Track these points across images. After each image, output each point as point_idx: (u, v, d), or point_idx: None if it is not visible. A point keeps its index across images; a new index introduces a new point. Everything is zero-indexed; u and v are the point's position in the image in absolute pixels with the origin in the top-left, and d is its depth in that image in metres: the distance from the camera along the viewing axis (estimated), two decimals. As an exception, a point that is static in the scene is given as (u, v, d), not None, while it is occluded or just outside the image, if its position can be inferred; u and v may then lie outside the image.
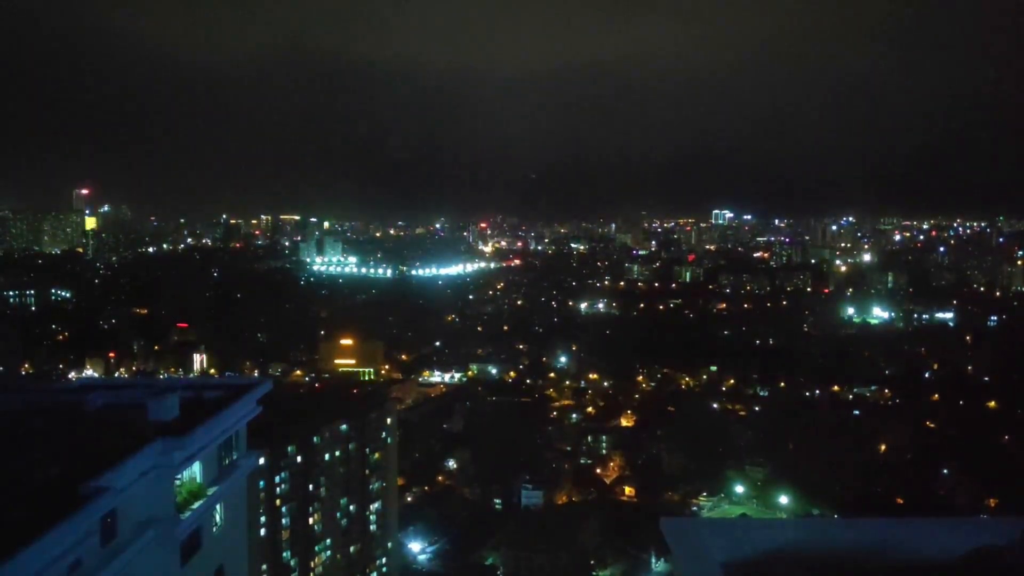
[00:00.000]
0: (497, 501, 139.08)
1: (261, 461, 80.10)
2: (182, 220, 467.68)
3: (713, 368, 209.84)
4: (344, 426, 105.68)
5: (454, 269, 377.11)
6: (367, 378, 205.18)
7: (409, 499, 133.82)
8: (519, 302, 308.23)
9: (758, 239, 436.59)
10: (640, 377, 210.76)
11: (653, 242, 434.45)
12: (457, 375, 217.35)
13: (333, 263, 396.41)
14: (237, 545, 31.66)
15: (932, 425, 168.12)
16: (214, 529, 28.45)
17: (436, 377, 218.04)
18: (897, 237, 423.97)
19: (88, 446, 23.25)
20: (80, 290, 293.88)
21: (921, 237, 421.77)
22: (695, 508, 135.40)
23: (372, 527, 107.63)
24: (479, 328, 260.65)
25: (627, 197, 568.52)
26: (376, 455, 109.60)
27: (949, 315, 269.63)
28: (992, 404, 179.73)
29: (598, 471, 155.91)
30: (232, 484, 29.39)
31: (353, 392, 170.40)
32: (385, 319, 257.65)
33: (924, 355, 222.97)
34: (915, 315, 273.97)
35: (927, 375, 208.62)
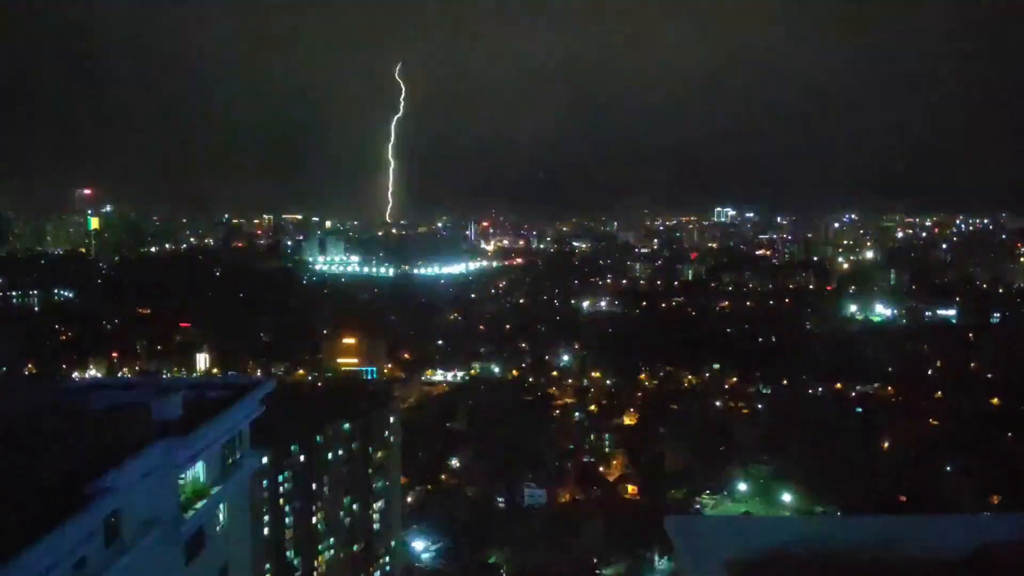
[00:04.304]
0: (500, 500, 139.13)
1: (264, 460, 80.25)
2: (184, 220, 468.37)
3: (716, 366, 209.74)
4: (347, 425, 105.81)
5: (456, 268, 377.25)
6: (370, 377, 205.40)
7: (412, 498, 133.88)
8: (521, 301, 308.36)
9: (760, 236, 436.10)
10: (643, 375, 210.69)
11: (655, 240, 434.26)
12: (460, 374, 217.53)
13: (335, 262, 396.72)
14: (241, 544, 31.72)
15: (935, 422, 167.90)
16: (218, 528, 28.52)
17: (439, 376, 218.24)
18: (900, 234, 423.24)
19: (92, 446, 23.31)
20: (83, 290, 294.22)
21: (924, 234, 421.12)
22: (698, 506, 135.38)
23: (375, 526, 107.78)
24: (481, 327, 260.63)
25: (629, 195, 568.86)
26: (379, 454, 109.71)
27: (952, 312, 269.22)
28: (995, 401, 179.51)
29: (601, 469, 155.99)
30: (235, 483, 29.46)
31: (356, 391, 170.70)
32: (387, 318, 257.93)
33: (927, 352, 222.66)
34: (918, 312, 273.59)
35: (930, 372, 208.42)
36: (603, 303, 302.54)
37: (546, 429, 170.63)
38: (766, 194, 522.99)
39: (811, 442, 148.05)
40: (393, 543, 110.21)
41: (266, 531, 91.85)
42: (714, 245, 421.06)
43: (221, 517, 28.82)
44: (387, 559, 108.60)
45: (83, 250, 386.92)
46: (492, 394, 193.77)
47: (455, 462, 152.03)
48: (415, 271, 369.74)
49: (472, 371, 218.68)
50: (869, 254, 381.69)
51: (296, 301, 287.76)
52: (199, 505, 26.14)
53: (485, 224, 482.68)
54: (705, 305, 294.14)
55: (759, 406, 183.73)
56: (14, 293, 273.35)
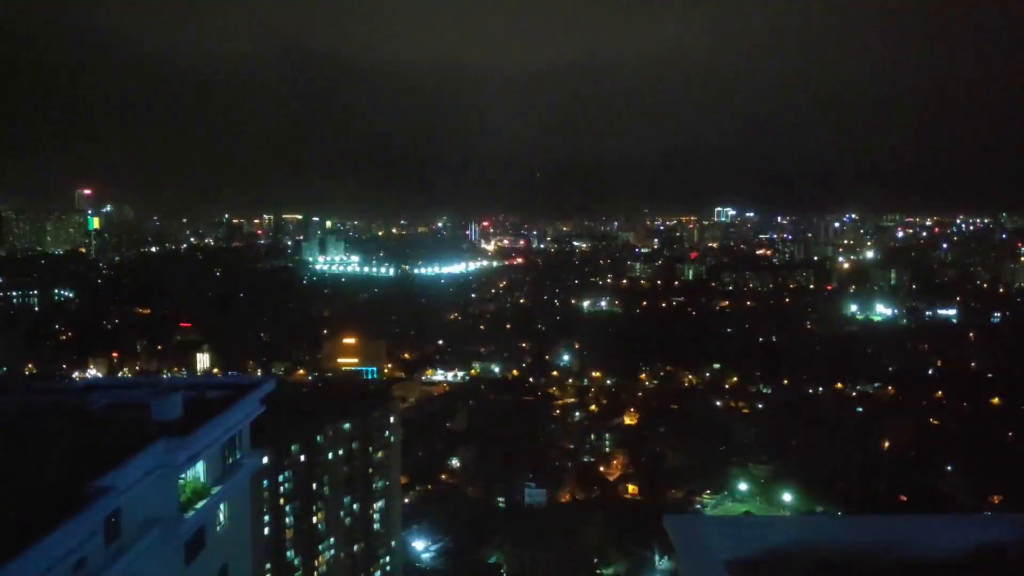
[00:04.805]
0: (500, 499, 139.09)
1: (264, 460, 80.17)
2: (184, 220, 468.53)
3: (716, 366, 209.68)
4: (347, 425, 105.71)
5: (456, 268, 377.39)
6: (370, 377, 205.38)
7: (412, 498, 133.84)
8: (521, 300, 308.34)
9: (760, 236, 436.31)
10: (643, 375, 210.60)
11: (655, 240, 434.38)
12: (460, 373, 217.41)
13: (335, 262, 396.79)
14: (241, 544, 31.68)
15: (935, 422, 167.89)
16: (218, 528, 28.49)
17: (439, 376, 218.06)
18: (900, 234, 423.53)
19: (92, 446, 23.30)
20: (83, 290, 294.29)
21: (924, 234, 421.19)
22: (698, 506, 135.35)
23: (375, 526, 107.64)
24: (482, 327, 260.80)
25: (629, 195, 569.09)
26: (379, 454, 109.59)
27: (952, 312, 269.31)
28: (995, 400, 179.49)
29: (601, 469, 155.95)
30: (235, 483, 29.41)
31: (356, 391, 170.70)
32: (388, 318, 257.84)
33: (927, 352, 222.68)
34: (918, 312, 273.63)
35: (930, 372, 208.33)
36: (603, 303, 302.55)
37: (546, 429, 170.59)
38: (766, 194, 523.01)
39: (811, 442, 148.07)
40: (393, 543, 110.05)
41: (266, 531, 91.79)
42: (714, 245, 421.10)
43: (221, 517, 28.80)
44: (387, 559, 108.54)
45: (83, 250, 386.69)
46: (492, 394, 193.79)
47: (455, 462, 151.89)
48: (415, 271, 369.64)
49: (472, 371, 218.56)
50: (869, 254, 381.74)
51: (296, 301, 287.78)
52: (199, 505, 26.11)
53: (485, 224, 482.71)
54: (705, 305, 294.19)
55: (759, 406, 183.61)
56: (14, 293, 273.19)
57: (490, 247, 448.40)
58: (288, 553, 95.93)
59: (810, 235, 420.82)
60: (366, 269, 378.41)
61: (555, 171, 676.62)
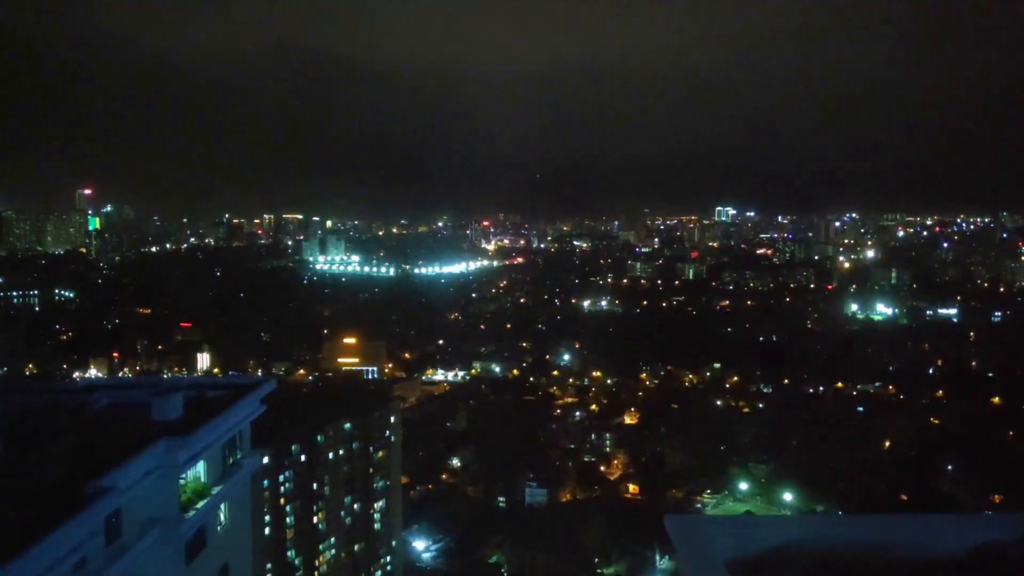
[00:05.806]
0: (501, 499, 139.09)
1: (265, 460, 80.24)
2: (185, 220, 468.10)
3: (716, 365, 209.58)
4: (348, 425, 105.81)
5: (457, 267, 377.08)
6: (370, 377, 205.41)
7: (413, 497, 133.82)
8: (522, 300, 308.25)
9: (761, 236, 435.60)
10: (643, 374, 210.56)
11: (656, 239, 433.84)
12: (460, 373, 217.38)
13: (336, 262, 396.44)
14: (241, 544, 31.68)
15: (936, 421, 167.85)
16: (218, 528, 28.48)
17: (439, 375, 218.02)
18: (900, 233, 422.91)
19: (92, 446, 23.31)
20: (83, 290, 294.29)
21: (924, 233, 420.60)
22: (699, 505, 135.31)
23: (376, 525, 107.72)
24: (482, 326, 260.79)
25: (630, 194, 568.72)
26: (380, 454, 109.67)
27: (953, 311, 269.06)
28: (996, 400, 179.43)
29: (602, 468, 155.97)
30: (236, 483, 29.40)
31: (357, 391, 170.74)
32: (388, 318, 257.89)
33: (928, 351, 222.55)
34: (919, 311, 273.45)
35: (931, 371, 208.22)
36: (603, 302, 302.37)
37: (546, 429, 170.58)
38: (766, 194, 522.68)
39: (811, 441, 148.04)
40: (393, 543, 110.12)
41: (267, 531, 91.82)
42: (715, 244, 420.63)
43: (222, 517, 28.79)
44: (388, 558, 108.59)
45: (83, 250, 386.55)
46: (493, 393, 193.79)
47: (455, 462, 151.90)
48: (415, 271, 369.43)
49: (473, 371, 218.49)
50: (870, 253, 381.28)
51: (296, 301, 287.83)
52: (200, 505, 26.10)
53: (486, 223, 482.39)
54: (705, 304, 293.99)
55: (760, 405, 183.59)
56: (15, 293, 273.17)
57: (490, 247, 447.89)
58: (288, 553, 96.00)
59: (810, 235, 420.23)
60: (366, 269, 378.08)
61: (555, 171, 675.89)
